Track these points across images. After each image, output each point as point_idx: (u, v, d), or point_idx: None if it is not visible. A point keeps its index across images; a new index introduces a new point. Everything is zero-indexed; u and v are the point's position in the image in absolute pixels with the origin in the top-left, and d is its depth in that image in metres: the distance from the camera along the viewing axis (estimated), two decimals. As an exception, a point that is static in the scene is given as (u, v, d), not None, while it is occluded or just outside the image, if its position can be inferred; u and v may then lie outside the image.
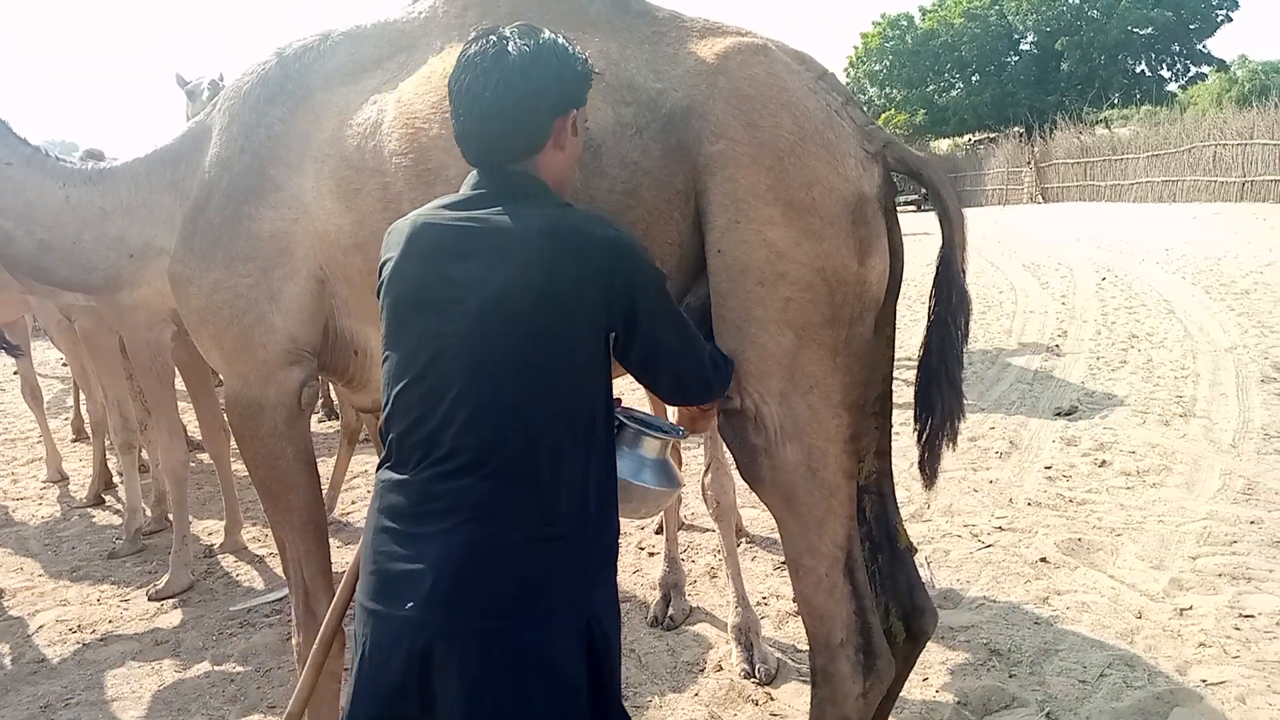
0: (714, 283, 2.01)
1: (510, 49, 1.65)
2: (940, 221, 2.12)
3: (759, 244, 1.95)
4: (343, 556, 4.69)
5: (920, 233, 6.50)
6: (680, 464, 2.17)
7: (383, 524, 1.61)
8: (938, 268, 2.13)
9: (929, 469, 2.21)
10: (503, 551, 1.54)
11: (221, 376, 2.51)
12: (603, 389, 1.68)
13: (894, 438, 5.79)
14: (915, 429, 2.21)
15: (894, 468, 5.04)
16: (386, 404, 1.64)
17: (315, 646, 2.13)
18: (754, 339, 1.98)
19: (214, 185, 2.40)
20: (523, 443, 1.55)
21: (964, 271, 2.11)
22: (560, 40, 1.71)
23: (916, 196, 23.31)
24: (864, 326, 2.07)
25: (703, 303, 2.04)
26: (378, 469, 1.68)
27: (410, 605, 1.52)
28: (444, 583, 1.52)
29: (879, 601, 2.29)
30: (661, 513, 3.76)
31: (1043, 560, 4.04)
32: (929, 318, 2.16)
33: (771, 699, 3.16)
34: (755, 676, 3.27)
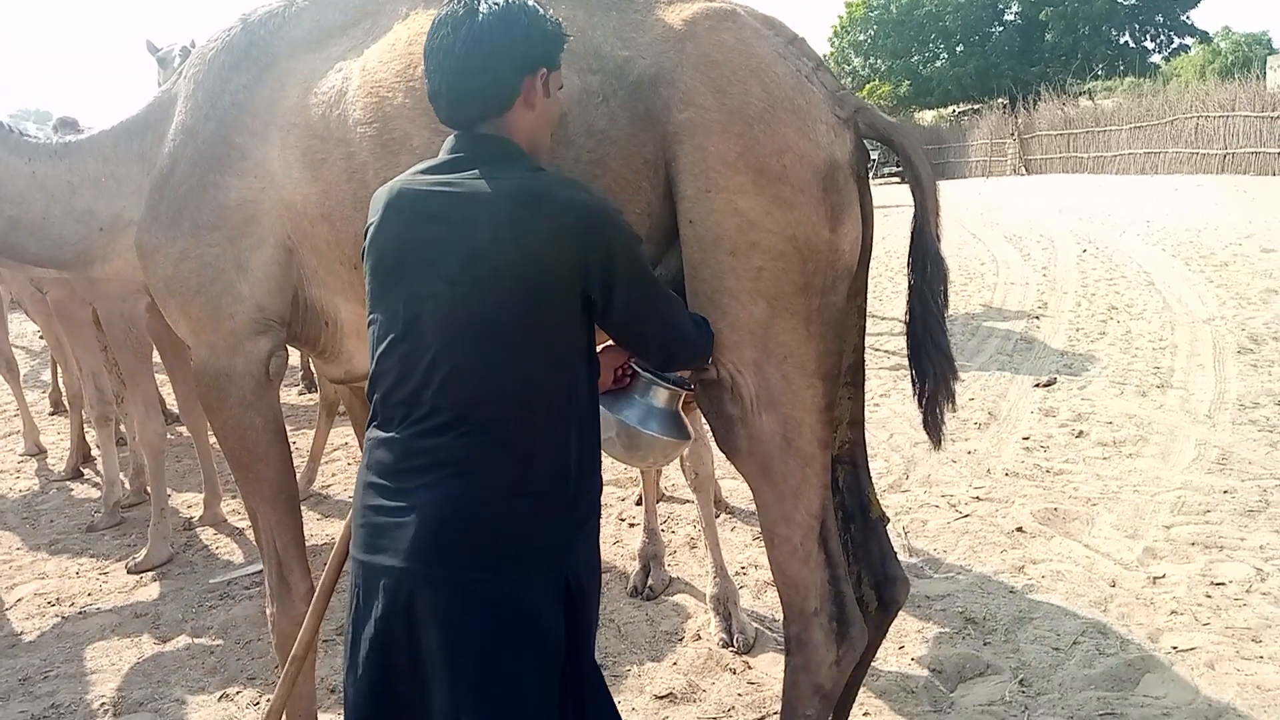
0: (686, 253, 2.00)
1: (480, 8, 1.67)
2: (912, 189, 2.11)
3: (730, 213, 1.94)
4: (323, 529, 4.70)
5: (906, 204, 6.49)
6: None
7: (370, 479, 1.66)
8: (912, 236, 2.13)
9: (934, 431, 2.21)
10: (481, 506, 1.58)
11: (190, 346, 2.49)
12: (583, 353, 1.69)
13: (874, 409, 5.80)
14: (915, 394, 2.22)
15: (872, 439, 5.08)
16: (372, 365, 1.69)
17: (315, 598, 2.17)
18: (727, 309, 1.97)
19: (179, 153, 2.37)
20: (498, 404, 1.59)
21: (938, 238, 2.11)
22: (531, 2, 1.71)
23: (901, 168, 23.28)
24: (836, 295, 2.07)
25: (674, 274, 2.03)
26: (365, 427, 1.73)
27: (394, 555, 1.58)
28: (425, 534, 1.57)
29: (852, 570, 2.30)
30: (668, 464, 3.79)
31: (1019, 530, 4.08)
32: (908, 286, 2.16)
33: (749, 668, 3.19)
34: (733, 646, 3.30)
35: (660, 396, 1.99)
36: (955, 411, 2.24)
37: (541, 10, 1.72)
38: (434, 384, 1.58)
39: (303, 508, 4.90)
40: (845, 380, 2.30)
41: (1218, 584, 3.46)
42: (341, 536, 2.09)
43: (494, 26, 1.65)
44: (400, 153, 2.08)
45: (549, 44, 1.72)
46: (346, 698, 1.69)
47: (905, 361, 2.27)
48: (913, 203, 2.11)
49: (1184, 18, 42.09)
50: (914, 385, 2.19)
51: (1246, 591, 3.39)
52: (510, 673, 1.58)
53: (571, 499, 1.67)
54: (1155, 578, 3.55)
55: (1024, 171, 30.81)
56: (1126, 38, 42.69)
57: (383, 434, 1.66)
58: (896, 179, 22.90)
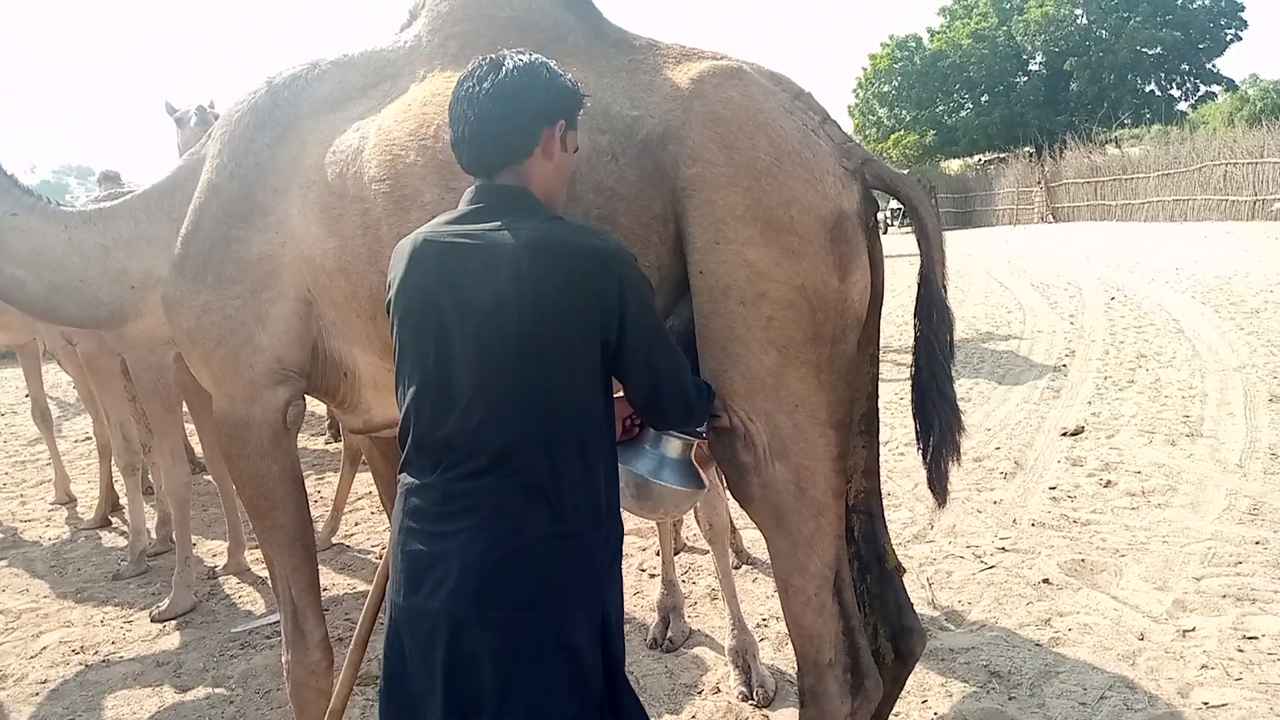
0: (697, 303, 2.02)
1: (505, 63, 1.76)
2: (918, 239, 2.13)
3: (739, 264, 1.96)
4: (346, 579, 4.72)
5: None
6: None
7: (408, 525, 1.72)
8: (919, 286, 2.13)
9: (938, 486, 2.20)
10: (522, 549, 1.64)
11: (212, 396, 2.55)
12: (603, 395, 1.74)
13: (899, 458, 5.77)
14: (919, 448, 2.20)
15: (897, 489, 5.03)
16: (403, 413, 1.74)
17: (351, 648, 2.20)
18: (738, 358, 1.99)
19: (204, 210, 2.45)
20: (530, 448, 1.64)
21: (944, 287, 2.12)
22: (553, 62, 1.80)
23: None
24: (847, 344, 2.08)
25: (686, 324, 2.05)
26: (399, 474, 1.78)
27: (438, 599, 1.64)
28: (470, 578, 1.62)
29: (867, 622, 2.28)
30: (682, 515, 3.77)
31: (1045, 581, 4.01)
32: (914, 336, 2.16)
33: (768, 721, 3.14)
34: (753, 699, 3.25)
35: (672, 446, 2.00)
36: (960, 465, 2.22)
37: (562, 70, 1.81)
38: (468, 430, 1.64)
39: (326, 557, 4.95)
40: (859, 429, 2.30)
41: (1250, 638, 3.38)
42: (376, 586, 2.11)
43: (518, 78, 1.73)
44: (411, 209, 2.13)
45: (568, 99, 1.79)
46: None
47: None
48: (919, 253, 2.12)
49: (1210, 65, 42.08)
50: (918, 438, 2.19)
51: (1280, 646, 3.30)
52: (557, 711, 1.64)
53: (604, 539, 1.73)
54: (1185, 631, 3.47)
55: (1051, 220, 30.74)
56: (1153, 86, 42.71)
57: (419, 480, 1.71)
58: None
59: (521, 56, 1.77)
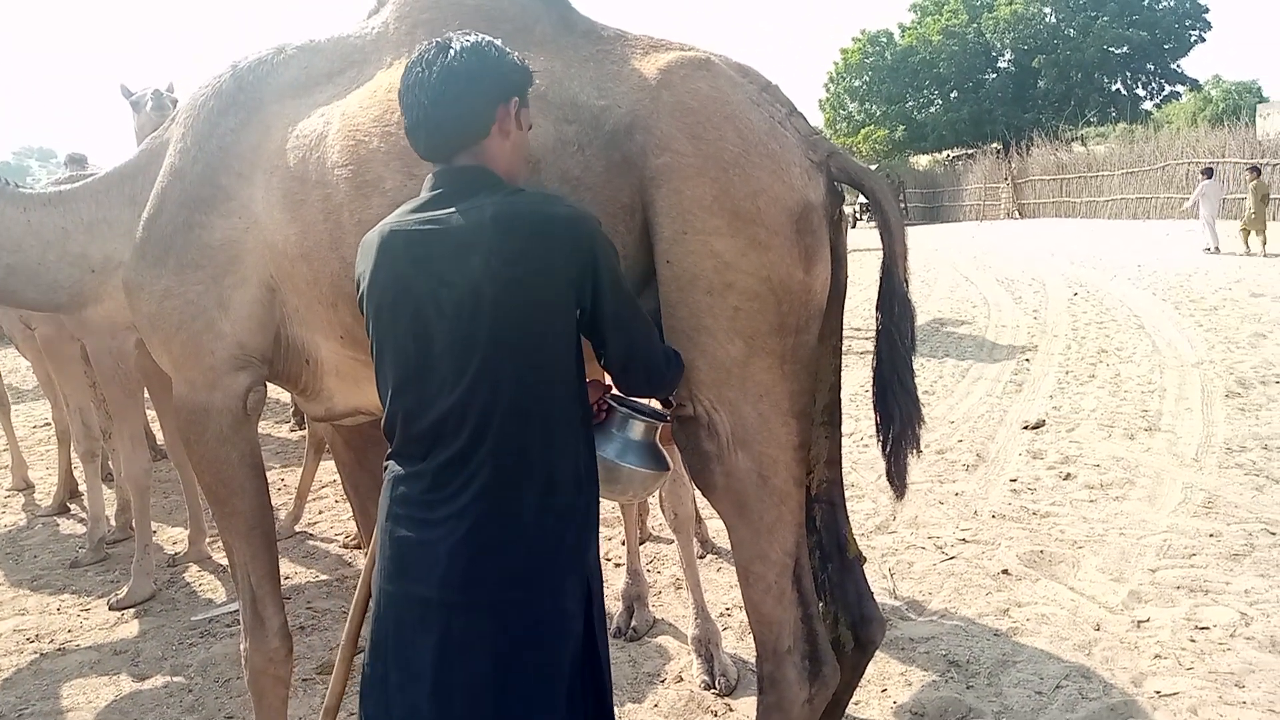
0: (663, 293, 2.02)
1: (453, 45, 1.76)
2: (881, 233, 2.14)
3: (706, 254, 1.97)
4: (308, 566, 4.68)
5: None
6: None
7: (395, 512, 1.72)
8: (881, 279, 2.15)
9: (898, 478, 2.21)
10: (510, 527, 1.65)
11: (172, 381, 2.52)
12: (578, 363, 1.75)
13: (864, 450, 5.81)
14: (879, 439, 2.22)
15: (861, 480, 5.08)
16: (385, 403, 1.75)
17: (343, 645, 2.17)
18: (704, 348, 2.00)
19: (167, 194, 2.42)
20: (517, 424, 1.65)
21: (906, 281, 2.14)
22: (493, 42, 1.79)
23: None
24: (810, 334, 2.09)
25: (651, 314, 2.05)
26: (385, 463, 1.80)
27: (429, 585, 1.65)
28: (459, 562, 1.63)
29: (828, 610, 2.30)
30: (647, 497, 3.78)
31: (1004, 572, 4.07)
32: (876, 328, 2.18)
33: (730, 710, 3.16)
34: (715, 687, 3.27)
35: (637, 429, 2.00)
36: (920, 458, 2.24)
37: (508, 48, 1.80)
38: (453, 414, 1.64)
39: (289, 545, 4.91)
40: (822, 420, 2.31)
41: (1202, 628, 3.45)
42: (364, 577, 2.09)
43: (467, 58, 1.73)
44: (373, 195, 2.12)
45: (518, 75, 1.79)
46: None
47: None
48: (881, 246, 2.14)
49: (1175, 66, 42.71)
50: (878, 430, 2.21)
51: (1231, 636, 3.37)
52: (554, 685, 1.68)
53: (585, 505, 1.76)
54: (1140, 621, 3.54)
55: (1017, 216, 31.08)
56: (1119, 85, 43.27)
57: (406, 468, 1.72)
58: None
59: (468, 37, 1.76)
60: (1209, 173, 18.42)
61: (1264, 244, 15.41)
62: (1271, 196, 17.29)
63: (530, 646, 1.66)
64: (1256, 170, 17.46)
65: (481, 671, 1.64)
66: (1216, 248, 15.90)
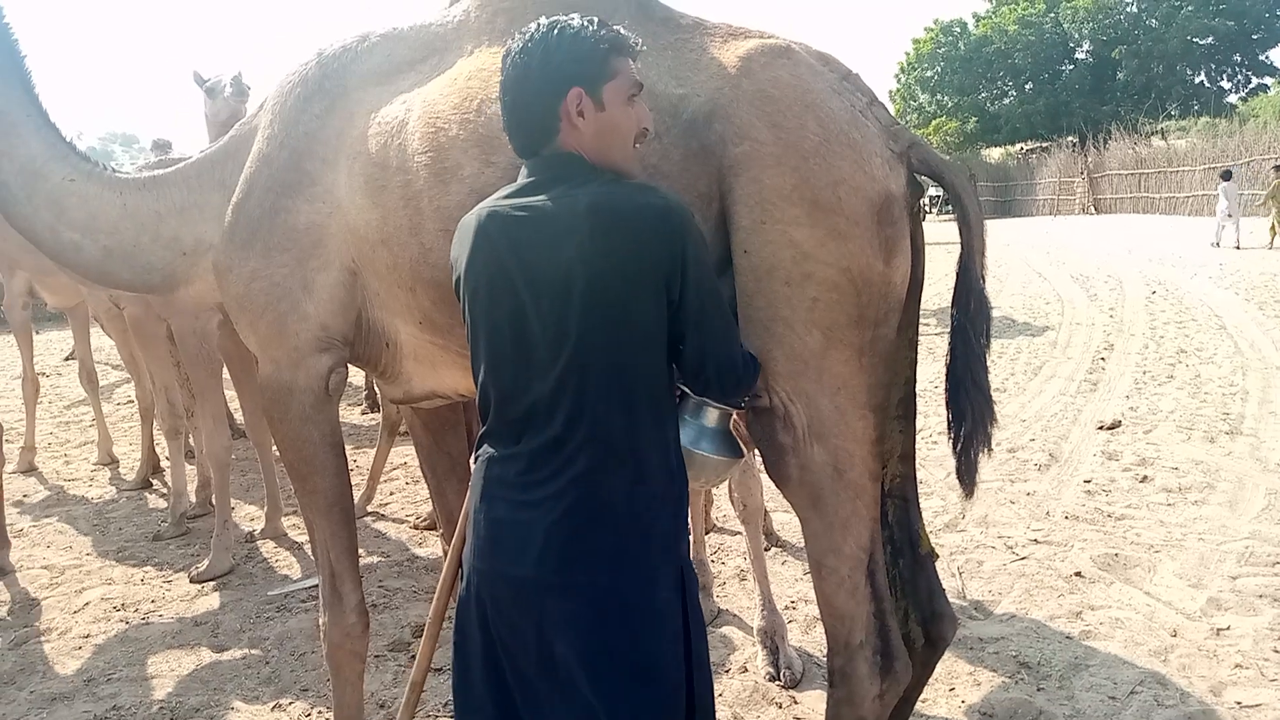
0: (740, 283, 2.02)
1: (517, 44, 1.76)
2: (960, 227, 2.11)
3: (785, 244, 1.96)
4: (379, 546, 4.79)
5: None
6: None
7: (490, 492, 1.74)
8: (957, 274, 2.12)
9: (967, 477, 2.18)
10: (605, 511, 1.66)
11: (258, 360, 2.59)
12: (667, 353, 1.75)
13: (933, 446, 5.73)
14: (950, 437, 2.20)
15: (930, 477, 5.01)
16: (480, 387, 1.77)
17: (429, 622, 2.21)
18: (781, 339, 1.99)
19: (255, 179, 2.49)
20: (608, 411, 1.66)
21: (983, 277, 2.10)
22: (565, 27, 1.73)
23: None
24: (888, 327, 2.07)
25: (728, 304, 2.05)
26: (477, 445, 1.82)
27: (523, 565, 1.67)
28: (555, 543, 1.65)
29: (899, 606, 2.29)
30: (719, 484, 3.78)
31: (1077, 575, 3.99)
32: (951, 325, 2.15)
33: (795, 702, 3.16)
34: (780, 680, 3.27)
35: (711, 416, 1.99)
36: (990, 456, 2.20)
37: (581, 29, 1.74)
38: (548, 400, 1.66)
39: (361, 525, 5.02)
40: (896, 414, 2.30)
41: (1286, 638, 3.34)
42: (450, 558, 2.13)
43: (525, 60, 1.73)
44: (451, 182, 2.15)
45: (579, 64, 1.72)
46: (462, 704, 1.80)
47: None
48: (960, 241, 2.11)
49: (1263, 57, 41.13)
50: (949, 427, 2.18)
51: (1316, 647, 3.27)
52: (649, 668, 1.68)
53: (677, 494, 1.76)
54: (1219, 629, 3.44)
55: (1093, 211, 30.31)
56: (1202, 77, 41.85)
57: (501, 450, 1.74)
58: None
59: (535, 31, 1.74)
60: (1228, 175, 19.28)
61: (1275, 236, 16.25)
62: None
63: (626, 631, 1.67)
64: (1279, 169, 18.35)
65: (577, 652, 1.65)
66: (1237, 244, 17.00)
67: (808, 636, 3.59)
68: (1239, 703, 2.97)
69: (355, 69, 2.46)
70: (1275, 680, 3.08)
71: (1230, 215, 17.66)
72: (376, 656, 3.54)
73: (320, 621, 2.60)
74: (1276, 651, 3.26)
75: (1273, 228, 16.67)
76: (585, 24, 1.75)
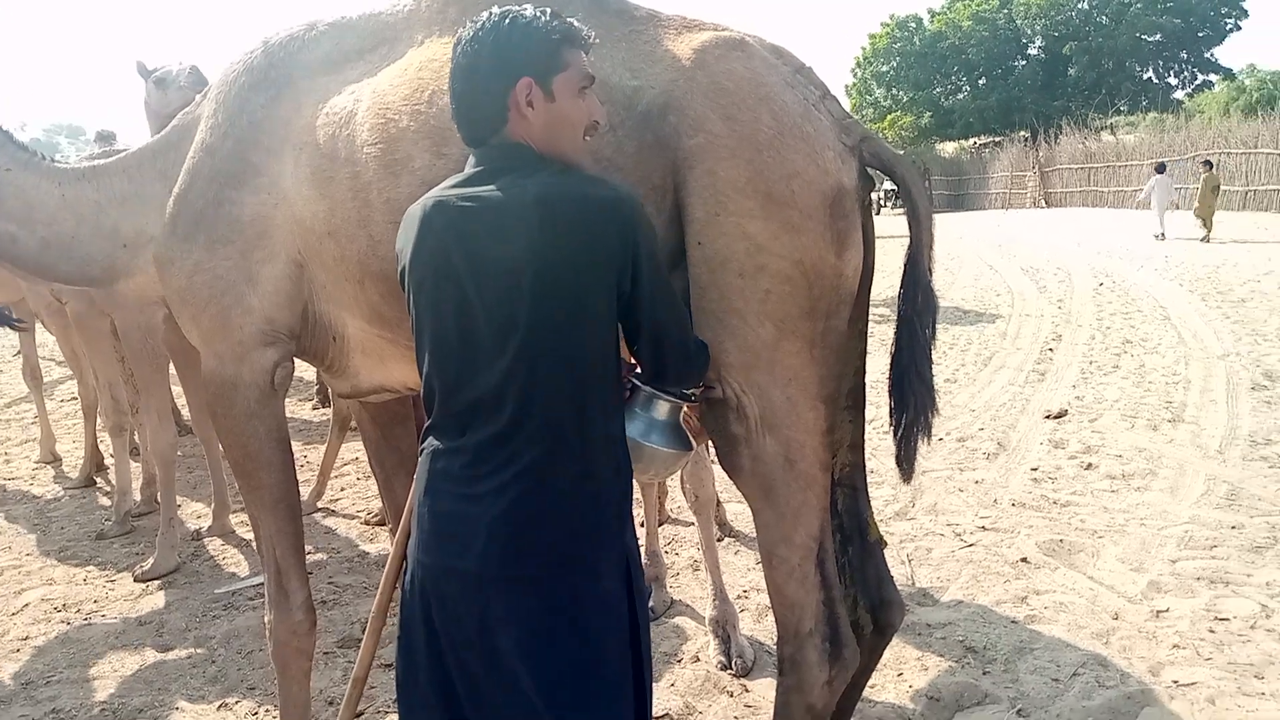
0: (694, 274, 2.02)
1: (466, 34, 1.74)
2: (909, 221, 2.13)
3: (739, 236, 1.96)
4: (329, 543, 4.74)
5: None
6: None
7: (435, 486, 1.73)
8: (905, 267, 2.14)
9: (906, 464, 2.22)
10: (550, 505, 1.65)
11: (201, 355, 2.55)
12: (616, 345, 1.75)
13: (884, 437, 5.78)
14: (891, 425, 2.23)
15: (881, 466, 5.07)
16: (424, 379, 1.75)
17: (371, 617, 2.19)
18: (734, 330, 1.99)
19: (198, 169, 2.44)
20: (555, 404, 1.65)
21: (931, 271, 2.13)
22: (517, 17, 1.72)
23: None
24: (839, 319, 2.09)
25: (680, 296, 2.05)
26: (422, 438, 1.80)
27: (468, 559, 1.65)
28: (499, 537, 1.64)
29: (848, 593, 2.31)
30: (669, 476, 3.79)
31: (1023, 560, 4.06)
32: (897, 317, 2.17)
33: (747, 690, 3.18)
34: (732, 668, 3.29)
35: (661, 409, 1.99)
36: (931, 445, 2.24)
37: (533, 19, 1.72)
38: (494, 393, 1.64)
39: (311, 521, 4.96)
40: (846, 404, 2.32)
41: (1222, 619, 3.43)
42: (395, 552, 2.11)
43: (475, 48, 1.72)
44: (402, 174, 2.13)
45: (529, 54, 1.71)
46: (407, 700, 1.79)
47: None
48: (909, 234, 2.13)
49: (1209, 54, 42.11)
50: (891, 415, 2.21)
51: (1251, 628, 3.36)
52: (593, 661, 1.67)
53: (624, 488, 1.77)
54: (1159, 611, 3.53)
55: (1044, 204, 30.83)
56: (1150, 74, 42.74)
57: (446, 443, 1.72)
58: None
59: (487, 19, 1.72)
60: (1161, 168, 20.05)
61: (1208, 230, 17.04)
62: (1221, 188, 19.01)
63: (571, 624, 1.66)
64: (1209, 164, 19.12)
65: (521, 646, 1.64)
66: (1162, 234, 17.82)
67: (760, 625, 3.62)
68: (1175, 681, 3.04)
69: (302, 58, 2.42)
70: (1210, 659, 3.16)
71: (1163, 206, 18.48)
72: (325, 653, 3.50)
73: (266, 619, 2.57)
74: (1212, 632, 3.35)
75: (1204, 221, 17.34)
76: (537, 14, 1.74)
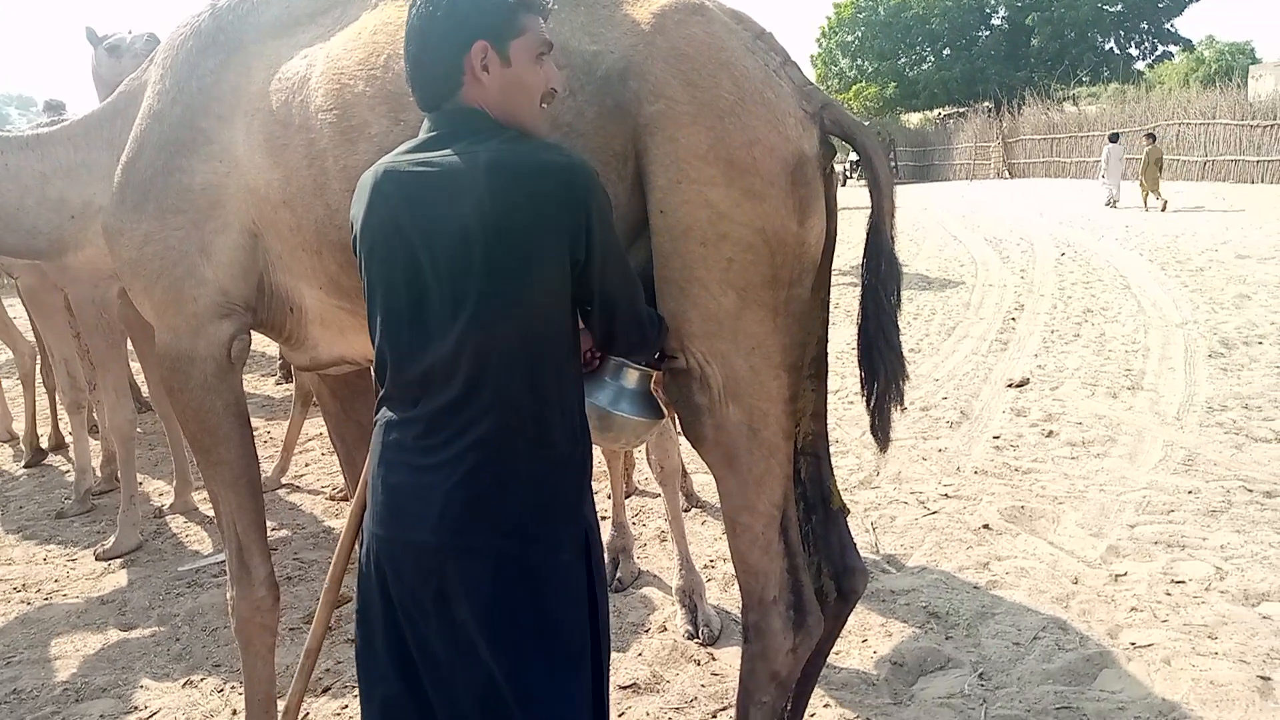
0: (656, 243, 2.00)
1: None
2: (870, 189, 2.12)
3: (700, 204, 1.95)
4: (294, 519, 4.69)
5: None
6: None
7: (389, 458, 1.71)
8: (867, 235, 2.13)
9: (881, 433, 2.22)
10: (506, 475, 1.64)
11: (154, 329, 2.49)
12: (572, 315, 1.73)
13: (849, 406, 5.83)
14: (863, 395, 2.23)
15: (846, 435, 5.10)
16: (377, 349, 1.72)
17: (326, 586, 2.18)
18: (697, 299, 1.98)
19: (146, 137, 2.37)
20: (508, 374, 1.62)
21: (893, 239, 2.13)
22: None
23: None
24: (802, 288, 2.08)
25: (643, 266, 2.04)
26: (376, 409, 1.77)
27: (423, 530, 1.64)
28: (454, 508, 1.62)
29: (812, 561, 2.32)
30: (639, 445, 3.79)
31: (985, 527, 4.12)
32: (862, 286, 2.17)
33: (713, 659, 3.21)
34: (698, 637, 3.32)
35: (630, 377, 1.99)
36: (904, 413, 2.25)
37: None
38: (446, 361, 1.61)
39: (275, 497, 4.92)
40: (809, 372, 2.31)
41: (1178, 582, 3.50)
42: (350, 522, 2.09)
43: (435, 10, 1.68)
44: (358, 140, 2.09)
45: (485, 17, 1.69)
46: (366, 673, 1.77)
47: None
48: (870, 203, 2.12)
49: (1168, 26, 42.49)
50: (863, 385, 2.21)
51: (1205, 590, 3.43)
52: (551, 632, 1.67)
53: (580, 457, 1.75)
54: (1117, 575, 3.60)
55: (1007, 175, 31.03)
56: (1112, 44, 43.03)
57: (399, 414, 1.70)
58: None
59: None
60: (1115, 138, 20.36)
61: (1160, 200, 17.47)
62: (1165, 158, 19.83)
63: (529, 595, 1.65)
64: (1151, 136, 19.49)
65: (478, 617, 1.63)
66: (1115, 202, 18.58)
67: (726, 594, 3.64)
68: (1133, 643, 3.11)
69: (252, 21, 2.35)
70: (1166, 621, 3.23)
71: (1115, 175, 19.14)
72: (291, 629, 3.48)
73: (229, 596, 2.54)
74: (1169, 594, 3.42)
75: (1143, 189, 18.04)
76: None
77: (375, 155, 1.95)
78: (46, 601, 3.93)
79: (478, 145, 1.65)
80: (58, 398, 5.76)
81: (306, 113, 2.15)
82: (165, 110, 2.36)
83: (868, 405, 2.22)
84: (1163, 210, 17.03)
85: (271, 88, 2.23)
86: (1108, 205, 18.50)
